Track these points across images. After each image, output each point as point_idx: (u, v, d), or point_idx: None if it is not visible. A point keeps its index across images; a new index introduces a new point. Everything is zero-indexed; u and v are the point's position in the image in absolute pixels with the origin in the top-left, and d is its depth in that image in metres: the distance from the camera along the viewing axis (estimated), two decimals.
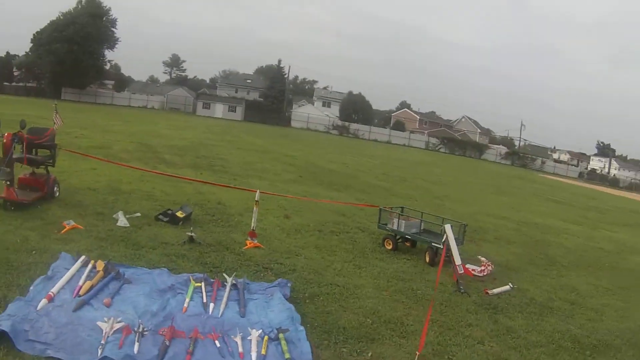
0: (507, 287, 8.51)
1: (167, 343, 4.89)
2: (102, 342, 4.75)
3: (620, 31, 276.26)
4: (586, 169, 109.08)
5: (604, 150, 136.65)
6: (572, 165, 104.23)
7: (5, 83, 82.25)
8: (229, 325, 5.53)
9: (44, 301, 5.30)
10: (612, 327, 7.65)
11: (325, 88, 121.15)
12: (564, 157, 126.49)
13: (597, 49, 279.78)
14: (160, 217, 9.59)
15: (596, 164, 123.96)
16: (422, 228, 10.06)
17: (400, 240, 10.01)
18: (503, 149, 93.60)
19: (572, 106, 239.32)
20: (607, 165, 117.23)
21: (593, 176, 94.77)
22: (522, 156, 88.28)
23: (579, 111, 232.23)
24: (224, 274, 6.91)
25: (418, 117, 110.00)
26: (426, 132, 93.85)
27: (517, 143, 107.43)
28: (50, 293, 5.48)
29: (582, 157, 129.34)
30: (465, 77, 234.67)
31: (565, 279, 10.31)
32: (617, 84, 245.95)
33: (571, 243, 14.67)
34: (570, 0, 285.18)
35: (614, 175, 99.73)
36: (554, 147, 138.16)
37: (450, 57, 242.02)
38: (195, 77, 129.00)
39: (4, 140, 8.93)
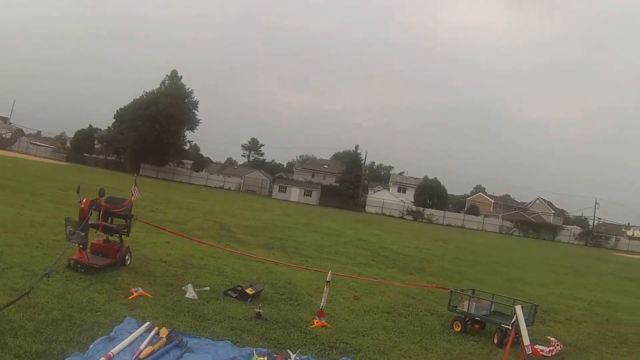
0: None
1: None
2: None
3: None
4: None
5: None
6: None
7: (86, 154, 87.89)
8: None
9: None
10: None
11: (401, 174, 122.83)
12: (639, 233, 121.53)
13: None
14: (230, 292, 9.69)
15: None
16: (492, 310, 10.01)
17: (469, 323, 9.98)
18: (577, 229, 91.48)
19: None
20: None
21: None
22: (596, 235, 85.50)
23: None
24: (288, 350, 6.86)
25: (492, 201, 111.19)
26: (500, 215, 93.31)
27: (591, 222, 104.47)
28: (109, 353, 5.61)
29: None
30: (542, 155, 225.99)
31: (636, 355, 10.01)
32: None
33: None
34: None
35: None
36: (628, 224, 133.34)
37: (523, 136, 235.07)
38: (272, 161, 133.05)
39: (82, 206, 9.48)
